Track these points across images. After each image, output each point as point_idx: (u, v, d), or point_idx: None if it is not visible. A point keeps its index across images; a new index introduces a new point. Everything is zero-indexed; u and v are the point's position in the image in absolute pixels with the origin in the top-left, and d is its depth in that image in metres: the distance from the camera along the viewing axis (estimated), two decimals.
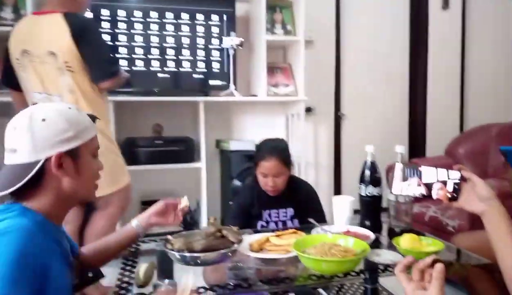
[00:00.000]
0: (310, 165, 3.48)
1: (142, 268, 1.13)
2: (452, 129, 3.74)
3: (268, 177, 1.82)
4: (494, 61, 3.89)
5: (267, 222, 1.89)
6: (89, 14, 2.53)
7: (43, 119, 0.92)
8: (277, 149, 1.82)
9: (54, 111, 0.95)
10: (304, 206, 1.89)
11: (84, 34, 1.81)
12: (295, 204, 1.90)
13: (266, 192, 1.86)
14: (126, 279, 1.17)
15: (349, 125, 3.66)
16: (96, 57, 1.86)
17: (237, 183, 2.83)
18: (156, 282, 1.12)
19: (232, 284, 1.12)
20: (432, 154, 3.50)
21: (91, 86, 1.88)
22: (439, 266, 0.70)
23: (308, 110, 3.40)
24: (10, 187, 0.90)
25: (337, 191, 3.58)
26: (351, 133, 3.65)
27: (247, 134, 3.21)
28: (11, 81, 1.96)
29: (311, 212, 1.80)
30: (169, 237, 1.26)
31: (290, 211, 1.90)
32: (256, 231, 1.63)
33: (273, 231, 1.52)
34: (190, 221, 2.92)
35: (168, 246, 1.22)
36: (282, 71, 3.16)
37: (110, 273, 1.26)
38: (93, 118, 1.05)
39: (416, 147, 3.79)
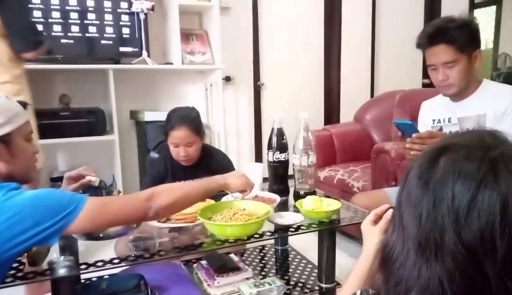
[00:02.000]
0: (231, 133, 3.50)
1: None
2: (364, 96, 3.96)
3: (179, 147, 1.79)
4: (403, 29, 4.12)
5: None
6: None
7: None
8: (187, 118, 1.79)
9: None
10: (218, 174, 1.89)
11: None
12: (209, 173, 1.88)
13: (179, 162, 1.83)
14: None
15: (268, 94, 3.70)
16: (17, 24, 1.68)
17: (154, 155, 2.75)
18: (51, 259, 1.07)
19: (133, 255, 1.10)
20: (345, 120, 3.69)
21: (10, 54, 1.69)
22: (389, 211, 0.93)
23: (227, 79, 3.38)
24: None
25: (258, 158, 3.65)
26: (270, 102, 3.70)
27: (164, 105, 3.11)
28: None
29: None
30: None
31: None
32: None
33: None
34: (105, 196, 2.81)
35: None
36: (198, 38, 3.07)
37: None
38: (24, 104, 1.10)
39: (331, 113, 3.97)
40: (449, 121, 1.67)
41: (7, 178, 1.02)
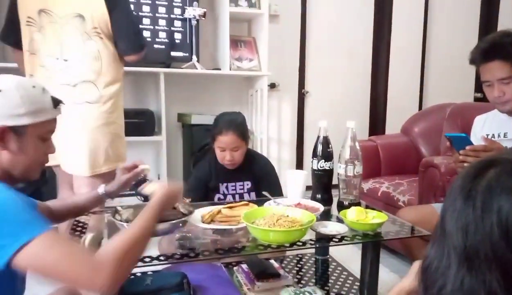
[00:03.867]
0: (273, 140, 3.51)
1: (87, 238, 1.12)
2: (412, 108, 3.85)
3: (225, 151, 1.82)
4: (454, 42, 4.00)
5: (225, 195, 1.91)
6: None
7: (0, 90, 0.93)
8: (234, 123, 1.83)
9: (15, 85, 0.95)
10: (261, 180, 1.92)
11: (117, 3, 1.71)
12: (252, 177, 1.92)
13: (223, 165, 1.87)
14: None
15: (312, 102, 3.69)
16: (127, 28, 1.76)
17: (199, 157, 2.82)
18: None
19: (179, 253, 1.13)
20: (391, 132, 3.60)
21: (116, 55, 1.78)
22: None
23: (272, 86, 3.40)
24: None
25: (299, 166, 3.64)
26: (314, 109, 3.69)
27: (210, 109, 3.18)
28: (12, 38, 1.81)
29: (267, 185, 1.84)
30: (118, 207, 1.26)
31: (247, 184, 1.93)
32: (213, 204, 1.64)
33: (228, 203, 1.54)
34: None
35: (117, 216, 1.22)
36: (246, 45, 3.12)
37: None
38: (57, 102, 1.03)
39: (377, 124, 3.89)
40: (504, 137, 1.59)
41: (8, 172, 0.98)
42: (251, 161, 1.93)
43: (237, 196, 1.90)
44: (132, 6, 2.69)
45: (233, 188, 1.92)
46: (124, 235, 0.91)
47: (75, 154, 1.73)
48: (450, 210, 0.58)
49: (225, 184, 1.91)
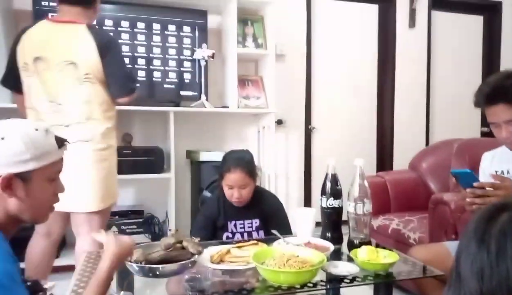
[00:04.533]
0: (281, 176, 3.51)
1: None
2: (419, 143, 3.86)
3: (233, 188, 1.83)
4: (457, 77, 4.06)
5: (233, 233, 1.89)
6: None
7: (2, 138, 0.93)
8: (242, 161, 1.84)
9: (16, 131, 0.95)
10: (269, 217, 1.91)
11: (109, 49, 1.81)
12: (260, 215, 1.91)
13: (231, 203, 1.87)
14: (81, 290, 1.15)
15: (319, 138, 3.72)
16: (118, 73, 1.86)
17: (207, 194, 2.82)
18: (112, 293, 1.11)
19: None
20: (399, 167, 3.59)
21: (107, 99, 1.87)
22: None
23: (279, 122, 3.45)
24: None
25: (307, 203, 3.62)
26: (321, 146, 3.71)
27: (219, 146, 3.22)
28: (11, 82, 1.92)
29: (276, 223, 1.83)
30: None
31: (256, 222, 1.91)
32: (222, 242, 1.63)
33: (236, 242, 1.53)
34: (158, 233, 2.89)
35: (127, 258, 1.22)
36: (253, 84, 3.19)
37: (66, 284, 1.24)
38: (61, 141, 1.03)
39: (384, 159, 3.89)
40: None
41: (14, 217, 0.97)
42: (260, 199, 1.93)
43: (245, 234, 1.89)
44: (143, 49, 2.85)
45: (242, 225, 1.91)
46: None
47: (71, 191, 1.76)
48: (464, 253, 0.58)
49: (233, 222, 1.90)
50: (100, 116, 1.84)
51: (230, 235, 1.89)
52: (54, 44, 1.79)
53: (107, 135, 1.87)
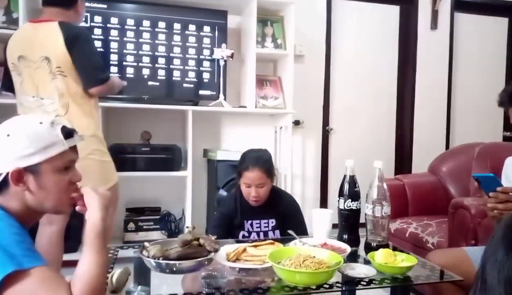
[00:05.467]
0: (297, 177, 3.51)
1: (115, 274, 1.13)
2: (439, 146, 3.80)
3: (251, 187, 1.83)
4: (480, 80, 3.98)
5: (249, 232, 1.90)
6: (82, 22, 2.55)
7: (8, 135, 0.97)
8: (260, 160, 1.84)
9: (20, 127, 0.99)
10: (285, 217, 1.90)
11: (76, 42, 1.88)
12: (277, 215, 1.91)
13: (248, 202, 1.87)
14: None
15: (336, 139, 3.70)
16: (87, 64, 1.93)
17: (223, 192, 2.84)
18: (129, 288, 1.13)
19: (204, 292, 1.13)
20: (417, 171, 3.54)
21: (81, 91, 1.94)
22: None
23: (297, 123, 3.44)
24: None
25: (323, 204, 3.60)
26: (338, 147, 3.68)
27: (235, 145, 3.23)
28: (10, 85, 2.02)
29: (292, 224, 1.83)
30: (146, 243, 1.27)
31: (272, 222, 1.91)
32: (238, 241, 1.64)
33: (253, 241, 1.53)
34: (174, 230, 2.92)
35: (144, 253, 1.23)
36: (271, 84, 3.19)
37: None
38: (69, 132, 1.03)
39: (403, 162, 3.83)
40: None
41: (34, 209, 1.00)
42: (276, 199, 1.93)
43: (261, 234, 1.89)
44: (163, 48, 2.88)
45: (258, 225, 1.91)
46: (88, 279, 0.92)
47: None
48: (491, 260, 0.56)
49: (250, 221, 1.90)
50: (75, 109, 1.91)
51: (246, 234, 1.89)
52: (32, 42, 1.90)
53: (91, 127, 1.93)
